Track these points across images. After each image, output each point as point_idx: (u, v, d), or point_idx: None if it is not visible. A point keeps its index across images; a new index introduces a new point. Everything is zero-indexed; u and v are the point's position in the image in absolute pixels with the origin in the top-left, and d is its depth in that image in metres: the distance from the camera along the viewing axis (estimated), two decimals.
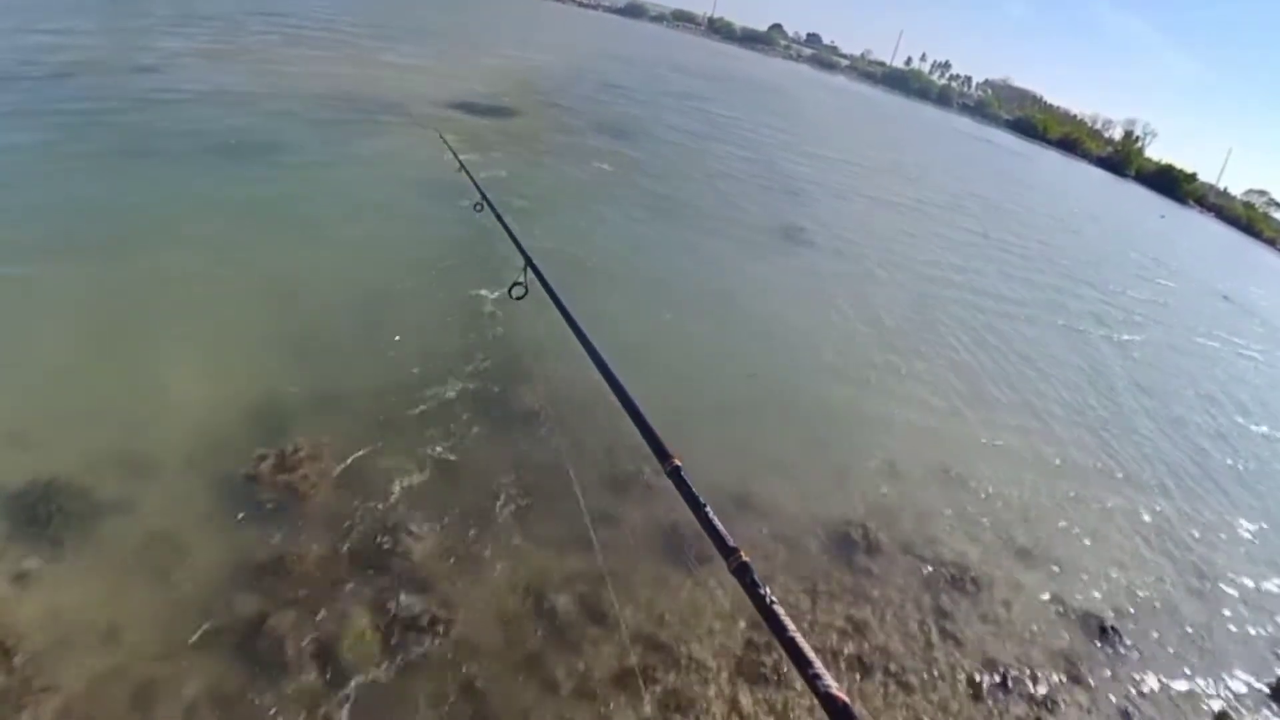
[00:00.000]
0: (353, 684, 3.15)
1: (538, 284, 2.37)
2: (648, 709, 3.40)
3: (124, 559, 3.48)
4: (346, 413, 4.79)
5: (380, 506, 4.10)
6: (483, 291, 6.77)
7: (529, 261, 2.48)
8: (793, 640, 1.01)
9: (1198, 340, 14.72)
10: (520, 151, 12.63)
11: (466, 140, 12.42)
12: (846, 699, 0.90)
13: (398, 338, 5.77)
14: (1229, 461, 8.80)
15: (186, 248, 6.51)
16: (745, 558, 1.17)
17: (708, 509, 1.29)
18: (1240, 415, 10.83)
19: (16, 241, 6.01)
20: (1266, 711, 4.75)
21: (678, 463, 1.42)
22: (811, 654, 0.98)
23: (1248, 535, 7.10)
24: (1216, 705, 4.64)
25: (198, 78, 12.24)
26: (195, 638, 3.19)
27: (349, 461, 4.35)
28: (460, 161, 3.65)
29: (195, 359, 5.00)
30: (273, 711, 2.97)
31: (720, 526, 1.24)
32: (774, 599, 1.09)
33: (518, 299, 2.47)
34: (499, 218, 2.83)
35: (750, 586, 1.13)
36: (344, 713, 3.04)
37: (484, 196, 3.14)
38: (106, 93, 10.37)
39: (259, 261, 6.58)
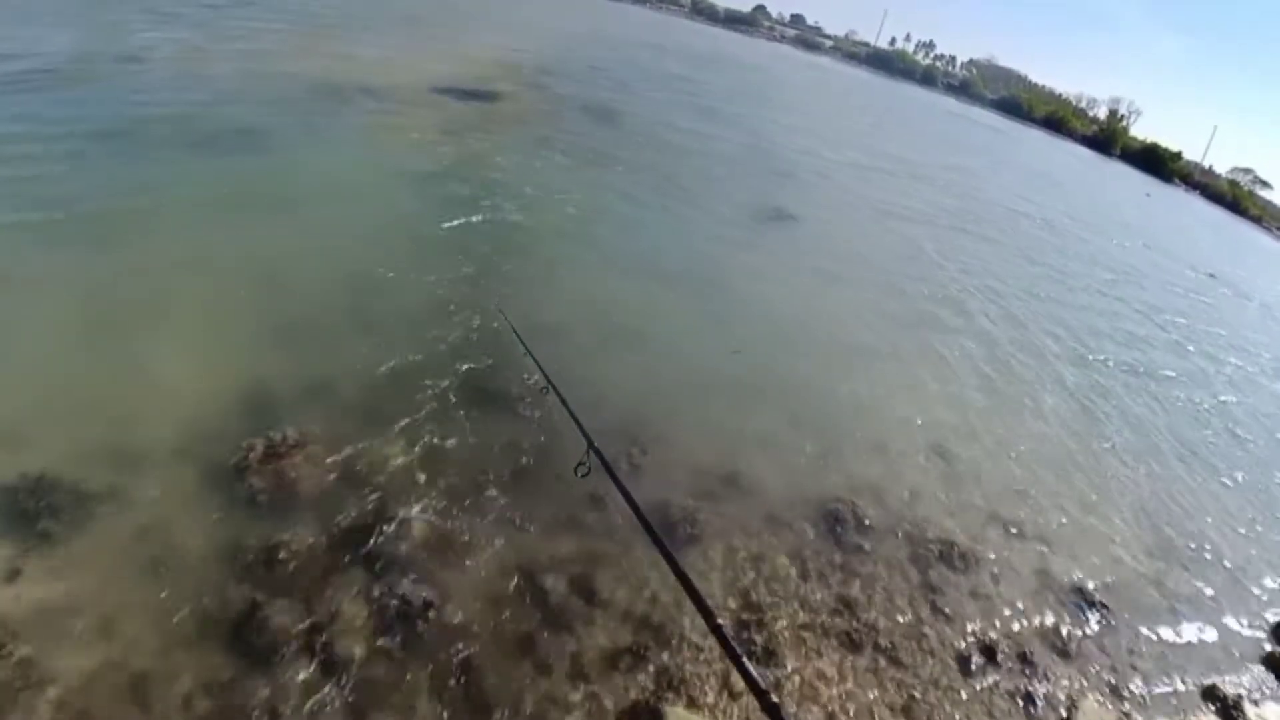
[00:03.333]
0: (347, 672, 3.17)
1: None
2: (640, 688, 3.45)
3: (115, 552, 3.47)
4: (335, 401, 4.78)
5: (371, 493, 4.11)
6: (471, 279, 6.77)
7: (591, 445, 2.68)
8: None
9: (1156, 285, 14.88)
10: (510, 138, 12.51)
11: (455, 127, 12.31)
12: None
13: (387, 326, 5.75)
14: (1207, 433, 8.95)
15: (172, 240, 6.42)
16: (774, 699, 1.40)
17: (743, 659, 1.51)
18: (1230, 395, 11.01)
19: None
20: (1255, 683, 4.86)
21: (720, 621, 1.65)
22: None
23: (1235, 507, 7.23)
24: (1205, 677, 4.74)
25: (179, 71, 12.01)
26: (189, 629, 3.20)
27: (339, 449, 4.34)
28: (525, 345, 3.76)
29: (182, 350, 4.95)
30: (268, 701, 3.00)
31: (755, 674, 1.45)
32: None
33: (582, 477, 2.68)
34: (564, 402, 3.03)
35: None
36: (338, 701, 3.07)
37: (549, 382, 3.30)
38: (85, 85, 10.17)
39: (245, 252, 6.48)
